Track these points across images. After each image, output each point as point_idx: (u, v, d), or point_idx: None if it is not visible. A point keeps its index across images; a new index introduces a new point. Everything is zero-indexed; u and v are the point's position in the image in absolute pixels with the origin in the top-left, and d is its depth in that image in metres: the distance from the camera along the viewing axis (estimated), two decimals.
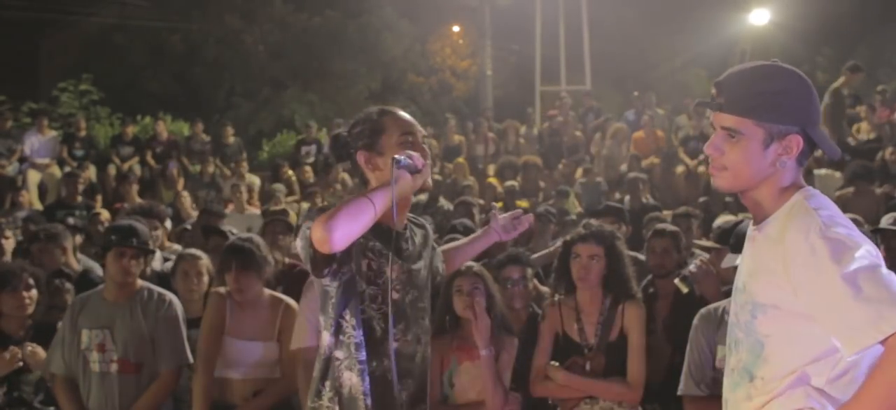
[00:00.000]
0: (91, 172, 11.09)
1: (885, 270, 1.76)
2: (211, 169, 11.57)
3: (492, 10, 18.88)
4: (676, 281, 3.66)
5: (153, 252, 4.63)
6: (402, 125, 2.51)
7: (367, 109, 2.60)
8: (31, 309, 4.12)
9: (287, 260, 5.21)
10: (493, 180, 11.15)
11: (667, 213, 7.06)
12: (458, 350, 3.52)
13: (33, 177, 11.06)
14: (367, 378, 2.41)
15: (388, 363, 2.43)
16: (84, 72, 15.60)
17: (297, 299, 3.84)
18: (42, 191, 10.95)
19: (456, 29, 20.74)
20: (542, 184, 11.16)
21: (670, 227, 4.69)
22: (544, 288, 4.37)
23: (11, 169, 11.11)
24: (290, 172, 11.68)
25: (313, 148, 12.76)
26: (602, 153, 11.94)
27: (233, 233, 5.08)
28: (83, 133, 12.33)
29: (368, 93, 18.54)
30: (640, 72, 19.24)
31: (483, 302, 3.39)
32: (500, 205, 9.32)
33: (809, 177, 7.92)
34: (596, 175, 11.11)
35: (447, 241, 4.25)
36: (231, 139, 12.62)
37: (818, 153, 2.10)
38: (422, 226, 2.69)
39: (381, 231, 2.41)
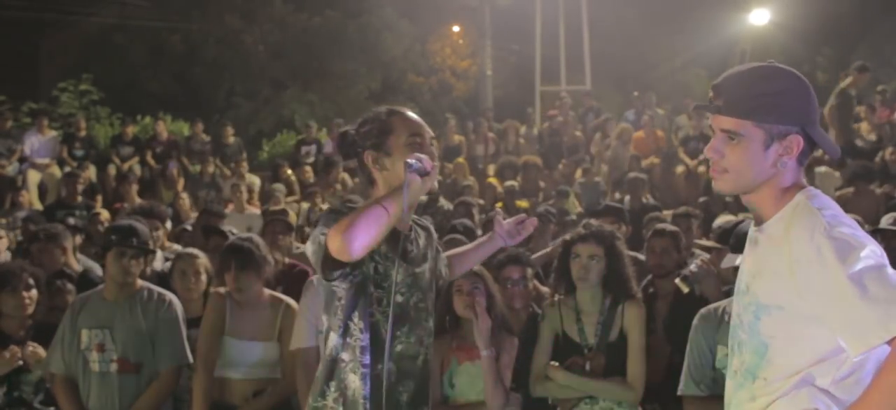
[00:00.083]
0: (91, 172, 11.09)
1: (890, 270, 1.76)
2: (211, 169, 11.57)
3: (492, 10, 18.88)
4: (677, 280, 3.66)
5: (154, 252, 4.63)
6: (411, 126, 2.51)
7: (375, 109, 2.59)
8: (31, 309, 4.12)
9: (287, 260, 5.21)
10: (493, 180, 11.15)
11: (667, 213, 7.05)
12: (458, 351, 3.52)
13: (33, 177, 11.06)
14: (369, 383, 2.41)
15: (392, 366, 2.43)
16: (84, 72, 15.61)
17: (297, 299, 3.84)
18: (42, 191, 10.95)
19: (456, 29, 20.75)
20: (542, 184, 11.16)
21: (670, 227, 4.69)
22: (544, 288, 4.37)
23: (11, 169, 11.11)
24: (290, 172, 11.68)
25: (313, 148, 12.76)
26: (606, 153, 11.94)
27: (233, 233, 5.08)
28: (83, 133, 12.33)
29: (368, 93, 18.55)
30: (640, 72, 19.24)
31: (483, 302, 3.39)
32: (500, 205, 9.32)
33: (810, 174, 7.93)
34: (595, 175, 11.12)
35: (447, 241, 4.26)
36: (231, 139, 12.62)
37: (818, 153, 2.10)
38: (425, 228, 2.68)
39: (388, 234, 2.41)
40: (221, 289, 3.97)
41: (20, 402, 4.00)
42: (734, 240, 3.42)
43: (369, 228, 2.21)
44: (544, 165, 11.87)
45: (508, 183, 10.35)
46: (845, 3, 18.30)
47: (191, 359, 3.92)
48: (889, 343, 1.71)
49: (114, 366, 3.80)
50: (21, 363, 3.95)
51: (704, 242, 5.16)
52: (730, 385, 2.06)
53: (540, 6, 17.81)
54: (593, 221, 3.91)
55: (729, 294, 3.25)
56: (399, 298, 2.46)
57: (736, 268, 2.66)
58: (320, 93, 18.44)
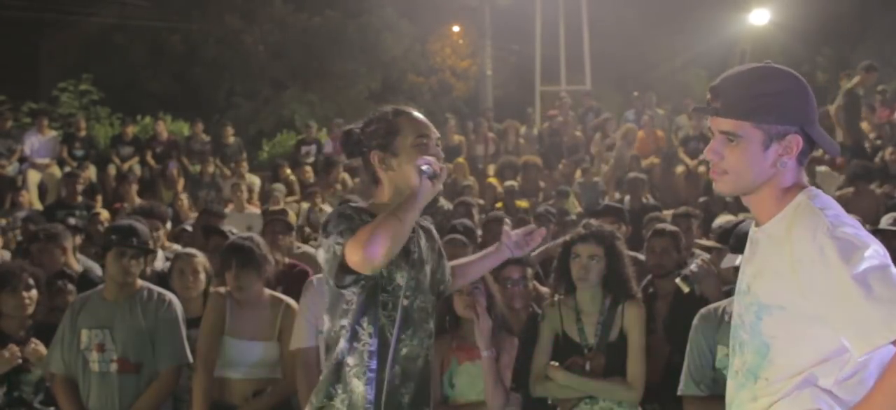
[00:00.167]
0: (91, 172, 11.09)
1: (894, 269, 1.76)
2: (211, 169, 11.57)
3: (492, 10, 18.88)
4: (677, 280, 3.66)
5: (154, 252, 4.64)
6: (418, 127, 2.51)
7: (381, 108, 2.59)
8: (31, 310, 4.13)
9: (287, 260, 5.21)
10: (493, 180, 11.15)
11: (667, 213, 7.05)
12: (458, 351, 3.52)
13: (33, 177, 11.06)
14: (373, 387, 2.41)
15: (397, 369, 2.43)
16: (84, 72, 15.61)
17: (297, 299, 3.84)
18: (42, 191, 10.95)
19: (456, 29, 20.74)
20: (542, 184, 11.16)
21: (670, 227, 4.69)
22: (544, 289, 4.37)
23: (11, 169, 11.11)
24: (290, 172, 11.69)
25: (313, 148, 12.76)
26: (605, 154, 11.94)
27: (233, 233, 5.08)
28: (83, 133, 12.33)
29: (368, 93, 18.55)
30: (640, 72, 19.24)
31: (484, 303, 3.39)
32: (500, 205, 9.32)
33: (811, 174, 7.91)
34: (594, 174, 11.12)
35: (447, 241, 4.26)
36: (231, 139, 12.62)
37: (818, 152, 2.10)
38: (426, 229, 2.68)
39: None
40: (221, 289, 3.97)
41: (20, 402, 4.01)
42: (734, 240, 3.42)
43: (389, 241, 2.23)
44: (544, 165, 11.87)
45: (508, 183, 10.35)
46: (845, 3, 18.29)
47: (191, 359, 3.92)
48: (894, 343, 1.71)
49: (114, 366, 3.80)
50: (20, 361, 3.95)
51: (704, 242, 5.16)
52: (731, 385, 2.05)
53: (540, 6, 17.81)
54: (593, 221, 3.91)
55: (729, 294, 3.25)
56: (404, 301, 2.46)
57: (736, 268, 2.66)
58: (320, 93, 18.44)
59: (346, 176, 10.88)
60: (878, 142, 10.14)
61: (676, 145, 11.79)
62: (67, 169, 10.74)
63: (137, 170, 11.70)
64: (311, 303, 3.62)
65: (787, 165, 1.93)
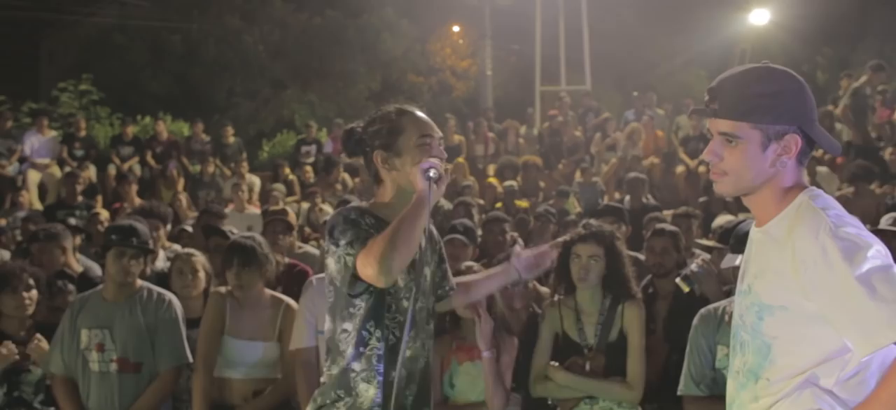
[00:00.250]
0: (91, 172, 11.08)
1: None
2: (211, 169, 11.57)
3: (492, 10, 18.87)
4: (677, 280, 3.65)
5: (154, 252, 4.63)
6: (421, 126, 2.50)
7: (383, 108, 2.58)
8: (31, 310, 4.12)
9: (287, 260, 5.21)
10: (493, 180, 11.15)
11: (667, 213, 7.05)
12: (459, 351, 3.52)
13: (33, 176, 11.05)
14: (382, 390, 2.41)
15: (403, 371, 2.43)
16: (84, 73, 15.61)
17: (297, 299, 3.84)
18: (42, 191, 10.94)
19: (456, 29, 20.76)
20: (542, 184, 11.16)
21: (670, 227, 4.68)
22: (544, 289, 4.37)
23: (11, 169, 11.10)
24: (290, 172, 11.68)
25: (313, 148, 12.76)
26: (612, 153, 11.94)
27: (233, 233, 5.08)
28: (83, 133, 12.32)
29: (368, 93, 18.56)
30: (640, 72, 19.26)
31: (484, 303, 3.38)
32: (499, 205, 9.31)
33: (811, 174, 7.92)
34: (593, 174, 11.12)
35: (447, 242, 4.26)
36: (231, 139, 12.62)
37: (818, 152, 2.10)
38: (428, 231, 2.67)
39: None
40: (222, 289, 3.97)
41: (20, 402, 4.00)
42: (734, 240, 3.42)
43: (403, 251, 2.24)
44: (544, 165, 11.87)
45: (508, 183, 10.34)
46: (845, 3, 18.31)
47: (190, 359, 3.91)
48: None
49: (113, 366, 3.80)
50: (17, 358, 3.95)
51: (704, 242, 5.16)
52: (732, 385, 2.05)
53: (540, 6, 17.79)
54: (593, 221, 3.91)
55: (729, 294, 3.25)
56: (406, 303, 2.45)
57: (736, 268, 2.66)
58: (320, 93, 18.45)
59: (346, 176, 10.88)
60: (881, 143, 10.13)
61: (676, 145, 11.79)
62: (67, 169, 10.72)
63: (137, 170, 11.68)
64: (311, 303, 3.62)
65: (786, 165, 1.92)
